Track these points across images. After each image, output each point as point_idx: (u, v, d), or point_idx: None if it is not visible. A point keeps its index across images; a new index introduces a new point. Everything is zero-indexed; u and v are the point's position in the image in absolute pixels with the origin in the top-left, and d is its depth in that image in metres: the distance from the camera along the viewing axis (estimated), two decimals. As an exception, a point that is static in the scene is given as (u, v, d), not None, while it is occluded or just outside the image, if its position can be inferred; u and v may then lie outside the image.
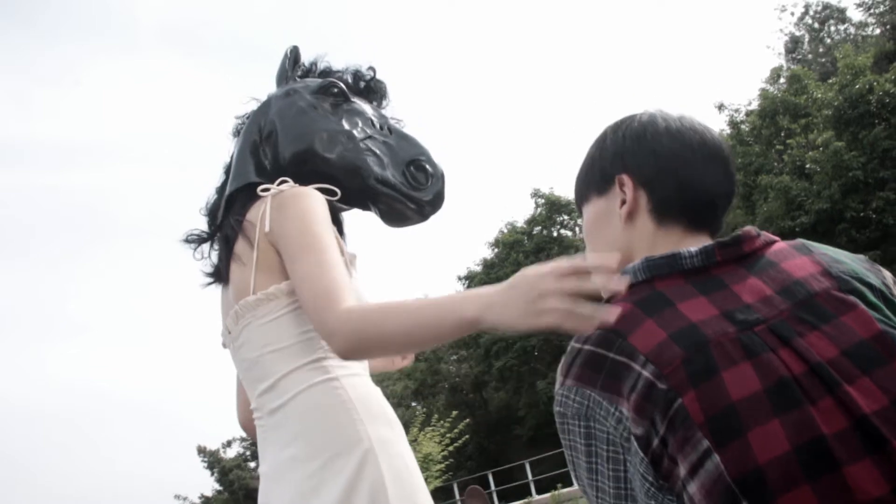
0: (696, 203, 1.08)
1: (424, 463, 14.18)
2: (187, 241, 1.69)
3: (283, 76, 1.78)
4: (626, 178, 1.10)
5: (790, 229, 18.63)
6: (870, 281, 0.99)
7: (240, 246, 1.52)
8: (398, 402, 34.48)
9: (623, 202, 1.10)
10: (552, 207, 34.44)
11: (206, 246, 1.68)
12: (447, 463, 14.80)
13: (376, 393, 1.51)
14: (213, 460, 42.62)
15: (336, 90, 1.70)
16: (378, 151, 1.65)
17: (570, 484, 18.21)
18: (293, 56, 1.79)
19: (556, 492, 16.51)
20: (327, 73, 1.78)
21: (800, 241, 1.08)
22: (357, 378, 1.49)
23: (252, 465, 39.85)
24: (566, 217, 34.89)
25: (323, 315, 1.33)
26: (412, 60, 69.72)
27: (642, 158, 1.10)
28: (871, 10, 26.48)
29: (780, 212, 18.83)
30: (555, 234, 34.71)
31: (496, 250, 35.41)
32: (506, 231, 35.83)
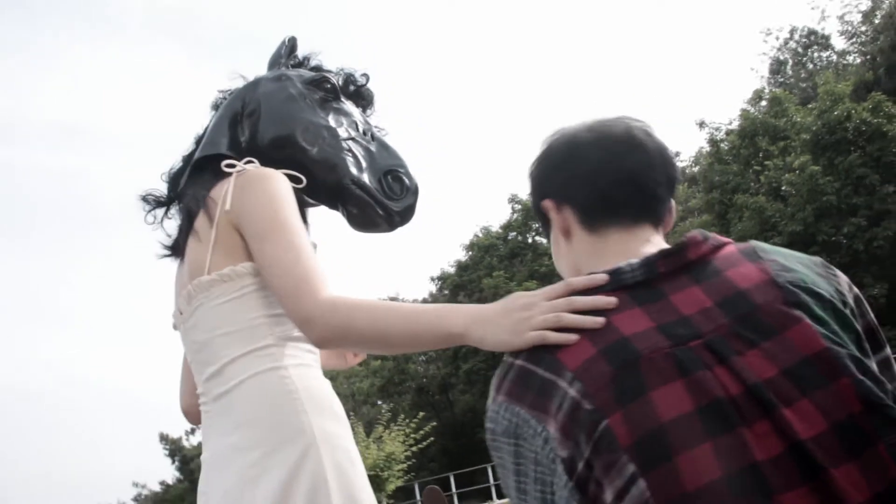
0: (620, 196, 1.03)
1: (387, 462, 14.14)
2: (144, 199, 1.66)
3: (276, 61, 1.77)
4: (547, 203, 1.08)
5: (762, 249, 18.82)
6: (819, 290, 0.92)
7: (200, 222, 1.49)
8: (364, 400, 34.35)
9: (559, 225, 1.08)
10: (528, 214, 34.46)
11: (160, 211, 1.65)
12: (410, 463, 14.76)
13: (325, 385, 1.49)
14: (174, 448, 42.29)
15: (329, 85, 1.69)
16: (358, 154, 1.64)
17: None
18: (290, 45, 1.79)
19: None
20: (319, 69, 1.77)
21: (751, 244, 1.01)
22: (306, 369, 1.46)
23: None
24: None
25: (301, 301, 1.31)
26: (403, 62, 69.70)
27: (554, 177, 1.08)
28: (853, 40, 26.88)
29: (753, 231, 19.01)
30: (529, 240, 34.78)
31: (470, 253, 35.44)
32: (481, 235, 35.87)
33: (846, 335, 0.89)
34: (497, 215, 47.65)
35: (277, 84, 1.67)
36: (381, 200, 1.61)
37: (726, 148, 22.61)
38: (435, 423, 15.80)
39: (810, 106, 20.67)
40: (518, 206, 34.71)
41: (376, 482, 14.20)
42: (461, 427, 32.57)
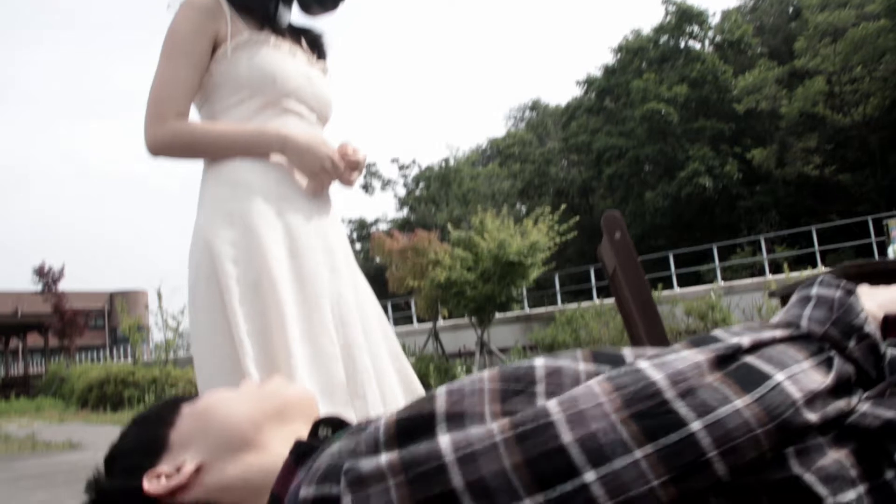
0: None
1: (531, 249, 14.66)
2: None
3: None
4: None
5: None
6: None
7: None
8: (504, 200, 35.09)
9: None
10: (682, 16, 32.81)
11: None
12: (551, 252, 15.30)
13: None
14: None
15: None
16: None
17: (671, 286, 18.69)
18: None
19: (658, 293, 16.99)
20: None
21: None
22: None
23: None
24: (696, 28, 33.27)
25: (145, 119, 1.59)
26: None
27: None
28: None
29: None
30: (682, 44, 33.28)
31: (619, 56, 34.35)
32: (630, 37, 34.56)
33: None
34: (648, 17, 45.30)
35: None
36: None
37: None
38: (578, 219, 16.08)
39: None
40: (672, 8, 33.02)
41: (519, 269, 14.79)
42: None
